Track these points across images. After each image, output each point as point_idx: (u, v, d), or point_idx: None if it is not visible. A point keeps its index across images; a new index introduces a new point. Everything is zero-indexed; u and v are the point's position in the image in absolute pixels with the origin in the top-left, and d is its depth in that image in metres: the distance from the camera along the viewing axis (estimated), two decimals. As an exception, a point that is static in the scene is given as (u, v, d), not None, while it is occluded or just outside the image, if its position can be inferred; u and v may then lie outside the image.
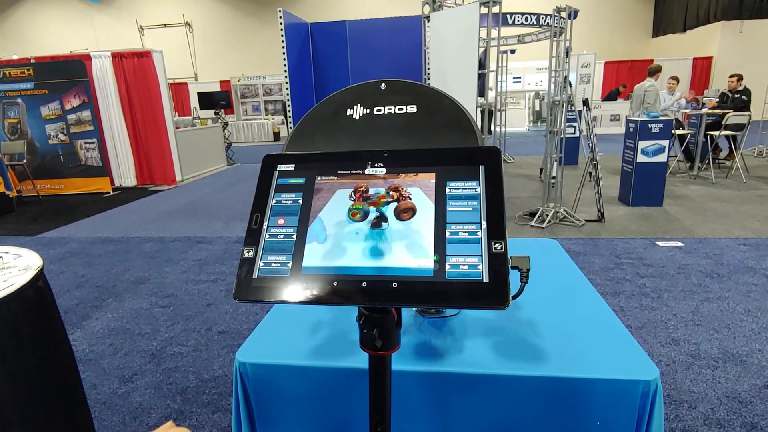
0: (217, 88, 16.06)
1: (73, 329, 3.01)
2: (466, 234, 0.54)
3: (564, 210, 5.02)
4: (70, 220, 5.99)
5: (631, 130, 5.47)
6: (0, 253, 1.59)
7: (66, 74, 7.34)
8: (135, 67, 7.71)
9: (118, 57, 7.68)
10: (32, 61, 7.75)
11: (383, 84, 0.69)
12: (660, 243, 4.24)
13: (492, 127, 9.61)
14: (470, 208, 0.55)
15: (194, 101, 15.07)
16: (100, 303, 3.41)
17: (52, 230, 5.56)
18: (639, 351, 1.02)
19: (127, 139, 8.01)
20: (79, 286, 3.75)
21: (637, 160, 5.36)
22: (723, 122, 6.93)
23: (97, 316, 3.21)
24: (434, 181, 0.58)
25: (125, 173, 8.15)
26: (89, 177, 7.70)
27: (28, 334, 1.37)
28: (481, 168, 0.57)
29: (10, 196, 6.62)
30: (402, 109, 0.68)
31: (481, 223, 0.54)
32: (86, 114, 7.43)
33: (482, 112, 9.20)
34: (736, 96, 7.36)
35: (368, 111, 0.69)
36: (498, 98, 8.67)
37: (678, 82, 7.92)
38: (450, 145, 0.63)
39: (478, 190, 0.56)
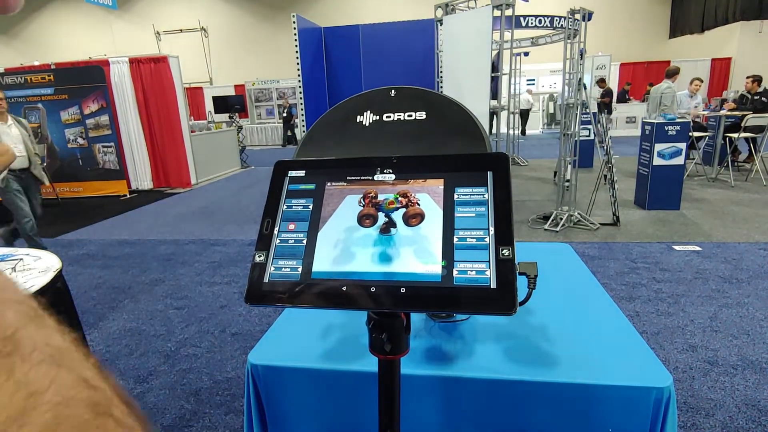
0: (231, 92, 16.27)
1: (91, 330, 3.07)
2: (474, 240, 0.54)
3: (578, 213, 4.97)
4: (88, 223, 6.11)
5: (647, 132, 5.39)
6: (21, 255, 1.63)
7: (85, 80, 7.50)
8: (152, 73, 7.84)
9: (135, 62, 7.82)
10: (52, 67, 7.94)
11: (393, 91, 0.70)
12: (677, 247, 4.17)
13: (525, 130, 9.68)
14: (478, 214, 0.56)
15: (209, 105, 15.29)
16: (117, 304, 3.47)
17: (70, 232, 5.68)
18: (652, 357, 1.00)
19: (143, 143, 8.15)
20: (97, 288, 3.82)
21: (654, 163, 5.28)
22: (742, 124, 6.81)
23: (114, 317, 3.27)
24: (442, 187, 0.59)
25: (142, 176, 8.29)
26: (107, 180, 7.85)
27: (47, 334, 1.40)
28: (489, 174, 0.58)
29: (31, 198, 6.77)
30: (411, 115, 0.69)
31: (488, 229, 0.54)
32: (104, 118, 7.59)
33: (520, 114, 9.29)
34: (755, 98, 7.23)
35: (378, 118, 0.70)
36: (512, 101, 8.63)
37: (701, 84, 7.71)
38: (458, 151, 0.64)
39: (486, 196, 0.56)
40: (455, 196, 0.58)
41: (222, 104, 13.34)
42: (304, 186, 0.64)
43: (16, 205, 4.09)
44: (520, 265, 0.69)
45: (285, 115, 14.48)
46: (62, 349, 0.22)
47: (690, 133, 5.75)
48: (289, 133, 14.82)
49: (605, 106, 11.05)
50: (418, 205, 0.58)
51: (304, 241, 0.60)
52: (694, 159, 7.31)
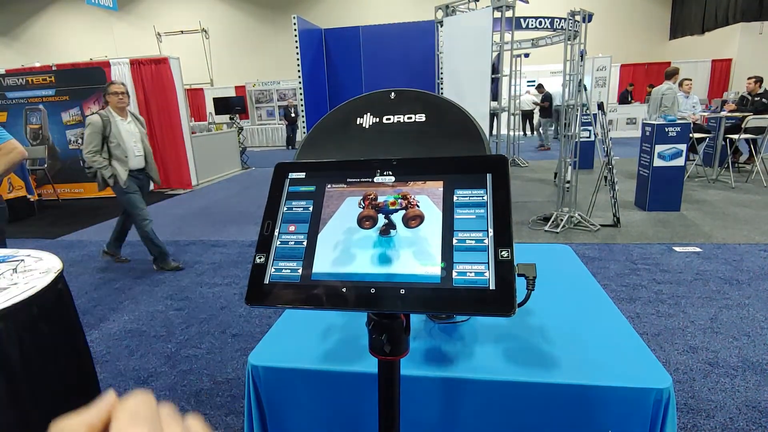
0: (232, 93, 16.28)
1: (91, 330, 3.07)
2: (473, 241, 0.54)
3: (579, 215, 4.97)
4: (89, 224, 6.12)
5: (648, 133, 5.40)
6: (22, 256, 1.64)
7: (86, 81, 7.51)
8: (153, 74, 7.86)
9: (136, 64, 7.84)
10: (54, 68, 7.95)
11: (392, 93, 0.71)
12: (677, 248, 4.17)
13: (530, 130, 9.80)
14: (477, 216, 0.56)
15: (210, 106, 15.31)
16: (117, 305, 3.48)
17: (71, 233, 5.68)
18: (651, 359, 1.01)
19: (144, 144, 8.15)
20: (97, 289, 3.83)
21: (654, 164, 5.29)
22: (743, 125, 6.81)
23: (114, 318, 3.27)
24: (442, 189, 0.59)
25: (142, 177, 8.29)
26: (108, 181, 7.85)
27: (48, 335, 1.41)
28: (489, 176, 0.58)
29: (32, 200, 6.78)
30: (411, 118, 0.69)
31: (488, 230, 0.55)
32: (105, 120, 7.59)
33: (523, 115, 9.55)
34: (756, 99, 7.23)
35: (378, 120, 0.70)
36: (512, 102, 8.64)
37: (691, 82, 7.79)
38: (458, 153, 0.64)
39: (485, 198, 0.57)
40: (454, 198, 0.58)
41: (223, 105, 13.35)
42: (304, 188, 0.64)
43: (135, 207, 3.88)
44: (519, 266, 0.69)
45: (293, 116, 14.41)
46: None
47: (690, 135, 5.75)
48: (290, 134, 14.78)
49: (545, 110, 11.44)
50: (418, 206, 0.58)
51: (305, 243, 0.60)
52: (694, 160, 7.32)
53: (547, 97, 11.44)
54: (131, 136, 3.82)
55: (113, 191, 3.83)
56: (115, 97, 3.73)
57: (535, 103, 11.48)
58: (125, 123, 3.80)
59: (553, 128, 11.85)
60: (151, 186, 4.44)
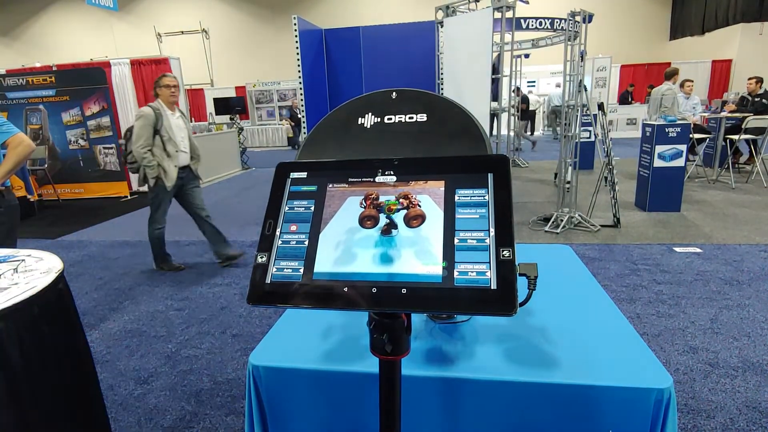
0: (232, 93, 16.28)
1: (91, 331, 3.07)
2: (475, 241, 0.54)
3: (579, 215, 4.97)
4: (89, 224, 6.12)
5: (648, 134, 5.40)
6: (22, 256, 1.64)
7: (86, 81, 7.51)
8: (153, 74, 7.85)
9: (136, 64, 7.84)
10: (54, 68, 7.95)
11: (394, 93, 0.71)
12: (678, 249, 4.17)
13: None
14: (479, 216, 0.56)
15: (210, 107, 15.31)
16: (117, 305, 3.48)
17: (71, 233, 5.68)
18: (652, 358, 1.01)
19: (144, 145, 8.15)
20: (97, 289, 3.83)
21: (654, 165, 5.29)
22: (743, 126, 6.81)
23: (114, 318, 3.27)
24: (443, 188, 0.59)
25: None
26: (108, 182, 7.86)
27: (48, 335, 1.41)
28: (490, 176, 0.58)
29: (32, 200, 6.78)
30: (412, 117, 0.69)
31: (489, 230, 0.55)
32: (105, 120, 7.60)
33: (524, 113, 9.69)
34: (756, 99, 7.23)
35: (379, 120, 0.70)
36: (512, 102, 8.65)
37: (692, 83, 7.81)
38: (459, 153, 0.64)
39: (486, 197, 0.57)
40: (456, 198, 0.58)
41: (223, 106, 13.35)
42: (305, 187, 0.64)
43: (159, 211, 3.80)
44: (520, 266, 0.69)
45: (300, 116, 14.39)
46: None
47: (690, 135, 5.74)
48: (295, 134, 14.76)
49: (524, 112, 11.65)
50: (419, 206, 0.59)
51: (306, 242, 0.60)
52: (694, 161, 7.33)
53: (524, 100, 11.56)
54: (180, 130, 3.75)
55: (148, 187, 3.75)
56: (167, 90, 3.62)
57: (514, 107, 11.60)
58: (174, 117, 3.74)
59: (531, 129, 12.01)
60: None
